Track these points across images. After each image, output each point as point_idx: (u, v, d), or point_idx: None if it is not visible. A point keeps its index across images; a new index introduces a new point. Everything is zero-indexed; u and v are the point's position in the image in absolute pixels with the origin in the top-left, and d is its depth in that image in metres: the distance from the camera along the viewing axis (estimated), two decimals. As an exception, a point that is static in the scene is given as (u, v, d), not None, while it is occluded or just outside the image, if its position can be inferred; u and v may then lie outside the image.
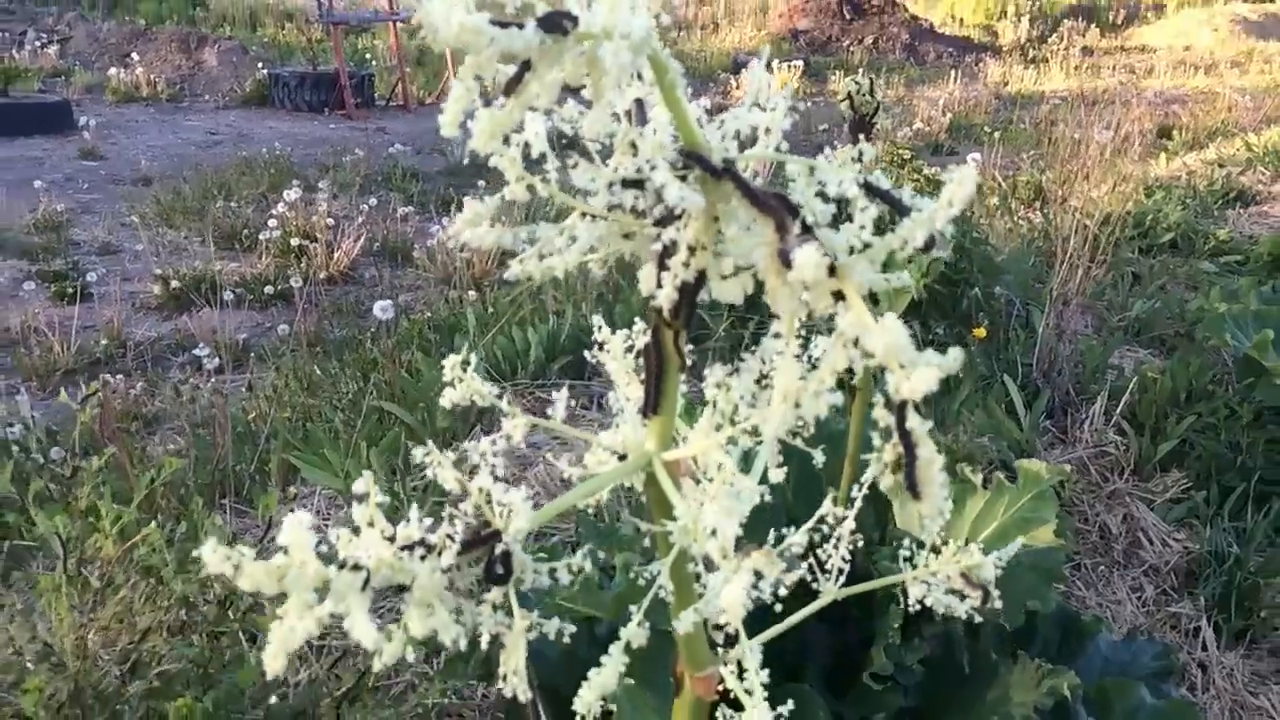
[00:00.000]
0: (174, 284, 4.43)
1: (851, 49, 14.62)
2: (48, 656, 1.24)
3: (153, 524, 1.37)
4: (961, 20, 18.13)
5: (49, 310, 4.17)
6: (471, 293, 3.80)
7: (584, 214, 0.50)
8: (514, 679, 0.46)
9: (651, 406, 0.53)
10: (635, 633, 0.51)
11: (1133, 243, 3.97)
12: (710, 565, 0.56)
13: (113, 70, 10.77)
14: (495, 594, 0.48)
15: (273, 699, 1.37)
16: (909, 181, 3.80)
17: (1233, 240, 4.15)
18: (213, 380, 3.39)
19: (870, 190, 0.46)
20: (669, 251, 0.46)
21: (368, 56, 11.85)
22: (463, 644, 0.44)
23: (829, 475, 1.70)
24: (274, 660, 0.40)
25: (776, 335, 0.47)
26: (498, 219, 0.51)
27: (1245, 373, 2.58)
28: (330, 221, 4.99)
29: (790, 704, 0.64)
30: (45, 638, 1.25)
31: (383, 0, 9.91)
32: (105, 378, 3.39)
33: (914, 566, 1.36)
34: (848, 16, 15.70)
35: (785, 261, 0.41)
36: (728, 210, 0.47)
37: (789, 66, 11.20)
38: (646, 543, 0.57)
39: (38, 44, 11.05)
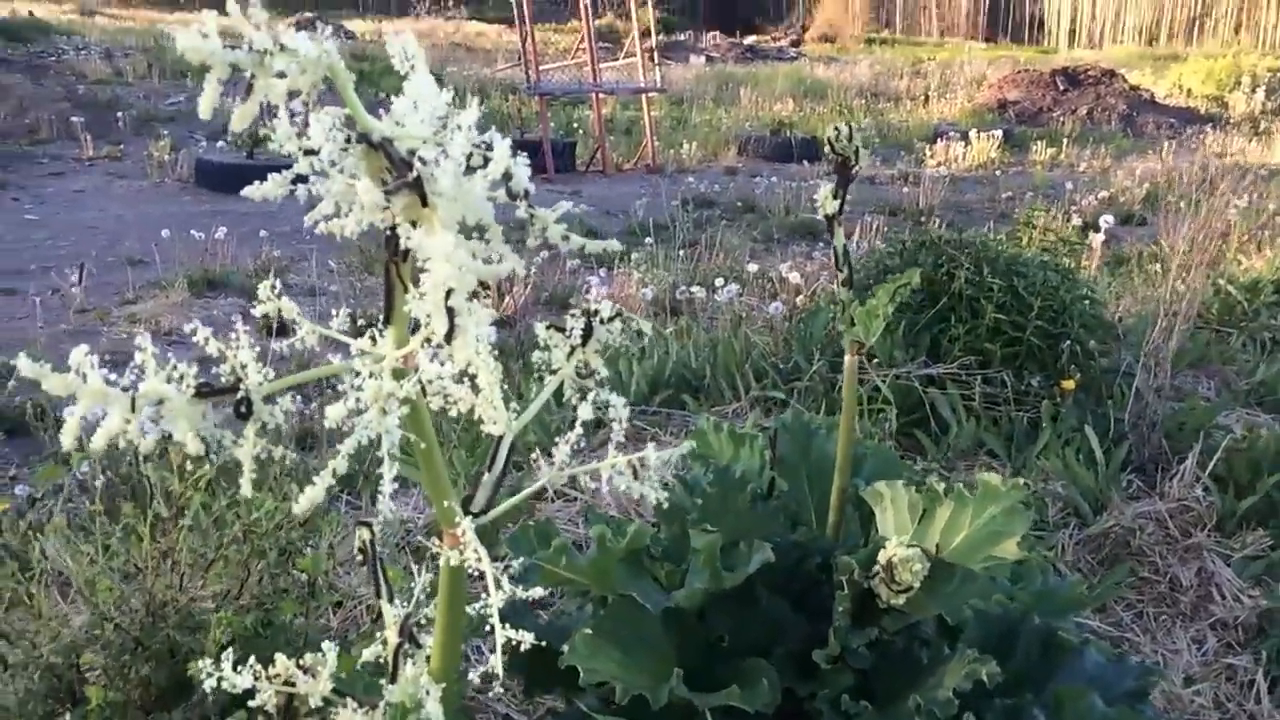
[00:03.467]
0: (360, 322, 4.94)
1: (1062, 120, 14.31)
2: (135, 575, 1.56)
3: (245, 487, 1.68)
4: (1189, 91, 17.38)
5: (253, 339, 4.73)
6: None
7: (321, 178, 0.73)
8: (244, 479, 0.69)
9: (386, 319, 0.76)
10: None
11: (1277, 309, 3.84)
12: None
13: (349, 137, 11.85)
14: (249, 427, 0.71)
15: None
16: (1041, 242, 3.84)
17: (1394, 310, 3.94)
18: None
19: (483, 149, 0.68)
20: (354, 201, 0.69)
21: (574, 125, 12.56)
22: (196, 446, 0.67)
23: (821, 491, 1.86)
24: (67, 437, 0.65)
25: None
26: (288, 185, 0.75)
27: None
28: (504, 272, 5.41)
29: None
30: (135, 561, 1.57)
31: (588, 74, 10.54)
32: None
33: (870, 569, 1.51)
34: (1061, 87, 15.38)
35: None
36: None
37: (987, 136, 11.12)
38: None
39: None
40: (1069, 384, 2.81)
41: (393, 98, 0.71)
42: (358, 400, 0.69)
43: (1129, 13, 32.28)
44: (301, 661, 0.88)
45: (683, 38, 26.46)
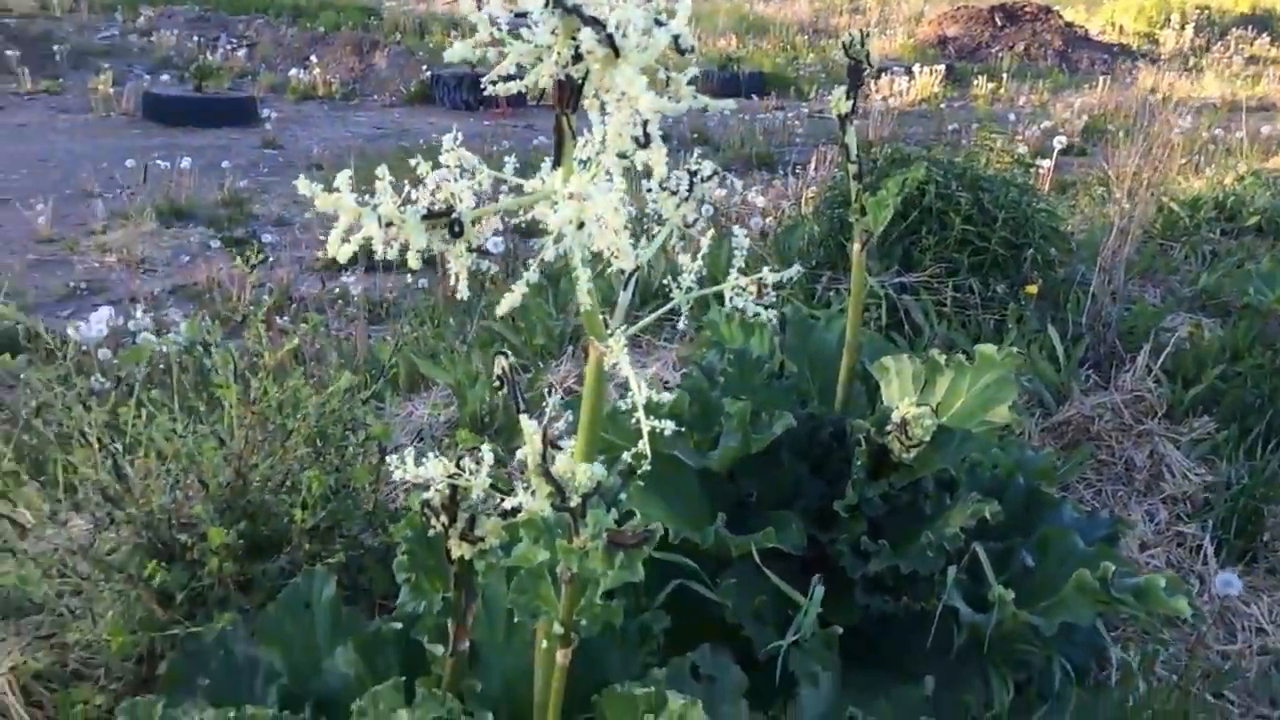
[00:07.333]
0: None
1: (1001, 55, 14.58)
2: (222, 443, 1.71)
3: (300, 370, 1.83)
4: (1121, 28, 17.75)
5: (230, 269, 4.81)
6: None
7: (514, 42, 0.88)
8: (460, 283, 0.86)
9: (556, 161, 0.93)
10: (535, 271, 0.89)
11: (1216, 224, 4.12)
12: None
13: (293, 71, 11.75)
14: (457, 245, 0.88)
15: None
16: (997, 164, 4.06)
17: (1319, 224, 4.26)
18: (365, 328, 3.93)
19: (656, 22, 0.84)
20: (549, 56, 0.85)
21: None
22: (416, 261, 0.83)
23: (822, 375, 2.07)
24: (333, 245, 0.81)
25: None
26: (472, 50, 0.90)
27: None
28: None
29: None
30: (221, 434, 1.72)
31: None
32: (275, 318, 3.96)
33: (883, 429, 1.70)
34: (999, 23, 15.63)
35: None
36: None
37: (930, 71, 11.34)
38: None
39: (228, 47, 12.15)
40: (1032, 289, 3.04)
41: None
42: (548, 223, 0.85)
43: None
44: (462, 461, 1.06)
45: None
